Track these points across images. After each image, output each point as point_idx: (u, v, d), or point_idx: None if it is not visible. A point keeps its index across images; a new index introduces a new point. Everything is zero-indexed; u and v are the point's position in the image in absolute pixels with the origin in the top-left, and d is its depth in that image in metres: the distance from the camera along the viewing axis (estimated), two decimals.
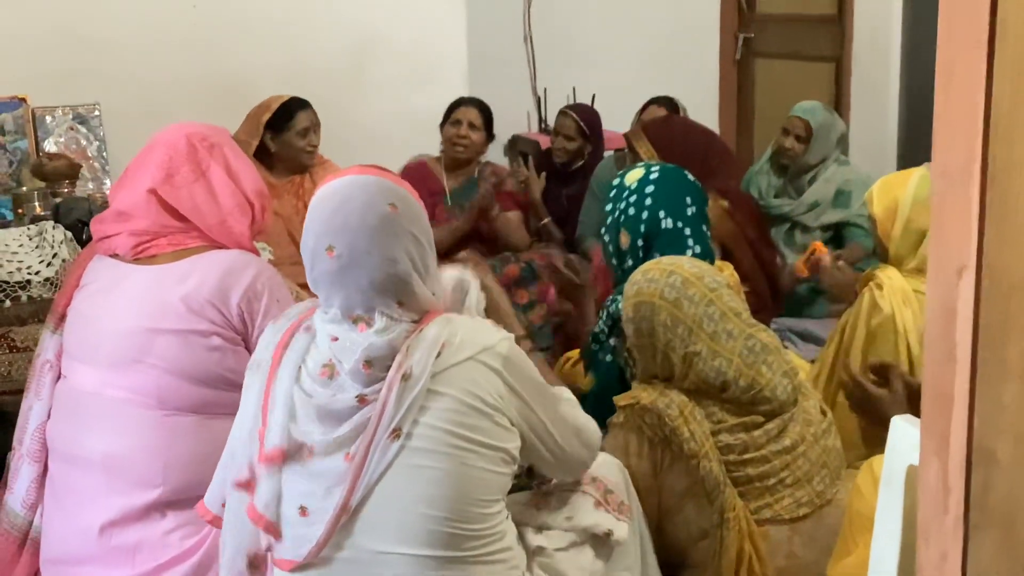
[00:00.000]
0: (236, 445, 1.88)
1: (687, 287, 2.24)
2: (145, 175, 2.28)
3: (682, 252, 2.69)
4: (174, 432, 2.19)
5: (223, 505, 1.90)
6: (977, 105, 0.86)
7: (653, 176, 2.80)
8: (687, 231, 2.75)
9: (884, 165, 5.33)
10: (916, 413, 2.34)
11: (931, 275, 0.94)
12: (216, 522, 1.95)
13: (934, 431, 0.95)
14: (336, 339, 1.77)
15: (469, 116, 4.47)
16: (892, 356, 2.85)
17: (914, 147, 5.27)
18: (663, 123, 3.86)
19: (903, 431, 1.60)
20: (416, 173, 4.51)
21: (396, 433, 1.72)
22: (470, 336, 1.78)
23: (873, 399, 2.31)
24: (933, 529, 0.97)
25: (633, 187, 2.78)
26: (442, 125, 4.54)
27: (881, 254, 3.07)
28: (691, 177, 2.89)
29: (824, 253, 3.64)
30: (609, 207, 2.82)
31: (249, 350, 2.24)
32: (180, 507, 2.19)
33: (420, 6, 4.75)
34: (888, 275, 2.93)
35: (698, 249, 2.75)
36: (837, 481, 2.26)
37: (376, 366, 1.74)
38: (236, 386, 2.21)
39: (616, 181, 2.87)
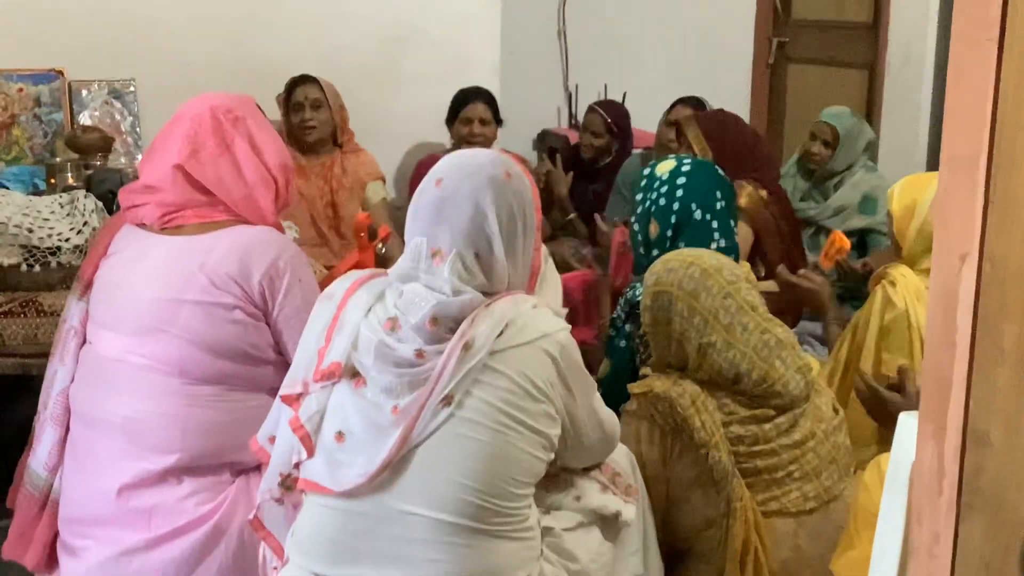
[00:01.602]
0: (295, 365, 1.95)
1: (706, 278, 2.26)
2: (171, 150, 2.31)
3: (707, 244, 2.72)
4: (194, 400, 2.23)
5: (271, 440, 1.97)
6: (986, 98, 0.88)
7: (685, 168, 2.83)
8: (714, 224, 2.78)
9: (914, 173, 5.32)
10: None
11: (935, 262, 0.96)
12: (260, 453, 2.01)
13: (932, 415, 0.97)
14: (402, 294, 1.85)
15: (478, 113, 4.52)
16: (905, 351, 2.88)
17: None
18: (716, 115, 3.95)
19: (911, 428, 1.62)
20: (429, 167, 4.54)
21: (448, 400, 1.78)
22: (533, 321, 1.84)
23: (888, 403, 2.33)
24: (926, 511, 0.99)
25: (664, 178, 2.81)
26: (449, 120, 4.58)
27: (895, 251, 3.10)
28: (721, 172, 2.92)
29: (845, 244, 3.65)
30: (640, 196, 2.85)
31: (270, 327, 2.28)
32: (197, 474, 2.23)
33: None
34: (902, 272, 2.96)
35: (723, 243, 2.77)
36: (845, 477, 2.28)
37: (441, 325, 1.80)
38: (257, 360, 2.27)
39: (647, 171, 2.89)
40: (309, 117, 4.13)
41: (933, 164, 5.43)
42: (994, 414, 0.87)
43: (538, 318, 1.87)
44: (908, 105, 5.56)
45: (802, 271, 3.23)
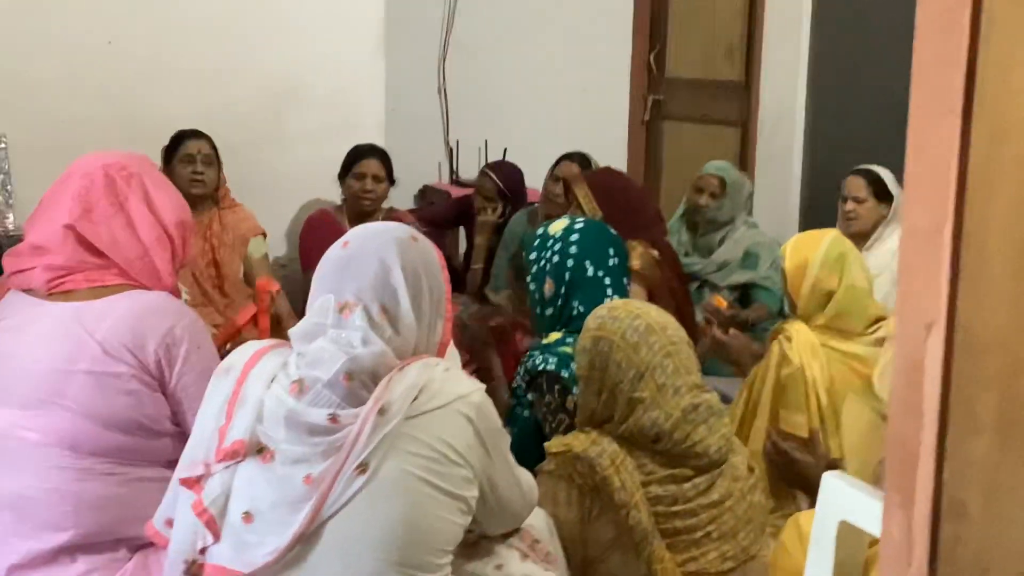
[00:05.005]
0: (193, 445, 1.86)
1: (649, 334, 2.26)
2: (62, 208, 2.22)
3: (601, 300, 2.73)
4: (86, 475, 2.12)
5: (168, 523, 1.88)
6: (948, 170, 0.89)
7: (578, 226, 2.86)
8: (607, 280, 2.79)
9: (786, 228, 5.49)
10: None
11: (898, 330, 0.96)
12: (157, 537, 1.92)
13: (898, 485, 0.97)
14: (305, 355, 1.79)
15: (372, 169, 4.47)
16: (801, 407, 2.94)
17: (816, 211, 5.43)
18: (604, 174, 3.99)
19: (835, 488, 1.63)
20: (320, 223, 4.49)
21: (363, 468, 1.72)
22: (446, 385, 1.81)
23: (797, 465, 2.38)
24: None
25: (558, 236, 2.83)
26: (342, 176, 4.53)
27: (790, 308, 3.18)
28: (613, 232, 2.94)
29: (721, 304, 3.71)
30: (534, 256, 2.86)
31: (167, 397, 2.19)
32: (91, 551, 2.12)
33: (340, 56, 4.74)
34: (797, 328, 3.03)
35: (616, 298, 2.78)
36: (761, 537, 2.29)
37: (355, 380, 1.75)
38: (153, 433, 2.17)
39: (540, 231, 2.91)
40: (201, 171, 4.04)
41: (805, 218, 5.60)
42: (971, 484, 0.87)
43: (451, 381, 1.84)
44: (780, 162, 5.73)
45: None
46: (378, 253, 1.85)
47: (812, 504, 2.47)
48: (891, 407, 1.00)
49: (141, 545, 2.16)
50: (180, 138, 4.11)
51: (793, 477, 2.42)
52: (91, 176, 2.23)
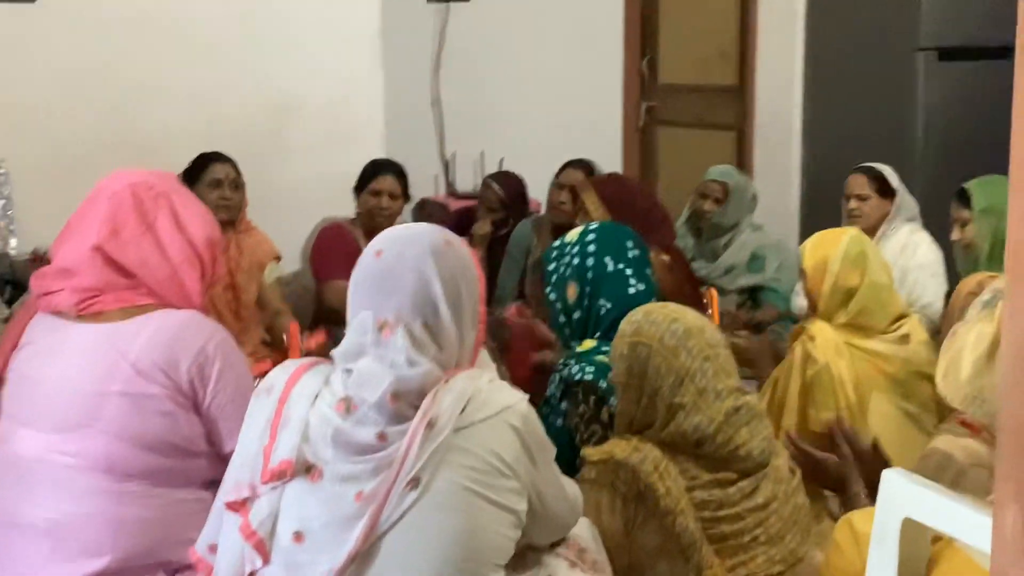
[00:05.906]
0: (237, 467, 1.81)
1: (688, 338, 2.23)
2: (89, 230, 2.19)
3: (626, 291, 2.72)
4: (123, 498, 2.09)
5: (212, 548, 1.84)
6: None
7: (592, 227, 2.86)
8: (628, 271, 2.77)
9: (787, 229, 5.49)
10: (864, 472, 2.36)
11: (1007, 318, 0.95)
12: (201, 564, 1.88)
13: (1013, 475, 0.95)
14: (350, 371, 1.75)
15: (388, 186, 4.44)
16: (829, 404, 2.93)
17: (816, 211, 5.43)
18: (611, 180, 3.97)
19: (897, 485, 1.62)
20: (334, 235, 4.46)
21: (415, 482, 1.69)
22: (493, 396, 1.79)
23: (821, 464, 2.36)
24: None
25: (574, 240, 2.82)
26: (357, 190, 4.49)
27: (810, 307, 3.17)
28: (628, 228, 2.94)
29: (712, 297, 3.70)
30: (552, 266, 2.83)
31: (201, 417, 2.17)
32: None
33: (339, 68, 4.72)
34: (819, 328, 3.02)
35: (641, 287, 2.76)
36: (808, 539, 2.26)
37: (403, 401, 1.72)
38: (188, 453, 2.15)
39: (556, 244, 2.90)
40: (229, 196, 3.99)
41: (806, 219, 5.60)
42: None
43: (496, 391, 1.81)
44: (778, 164, 5.72)
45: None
46: (416, 265, 1.79)
47: (843, 503, 2.45)
48: (1002, 396, 0.98)
49: (178, 568, 2.14)
50: (205, 162, 4.03)
51: (821, 477, 2.39)
52: (119, 196, 2.20)
